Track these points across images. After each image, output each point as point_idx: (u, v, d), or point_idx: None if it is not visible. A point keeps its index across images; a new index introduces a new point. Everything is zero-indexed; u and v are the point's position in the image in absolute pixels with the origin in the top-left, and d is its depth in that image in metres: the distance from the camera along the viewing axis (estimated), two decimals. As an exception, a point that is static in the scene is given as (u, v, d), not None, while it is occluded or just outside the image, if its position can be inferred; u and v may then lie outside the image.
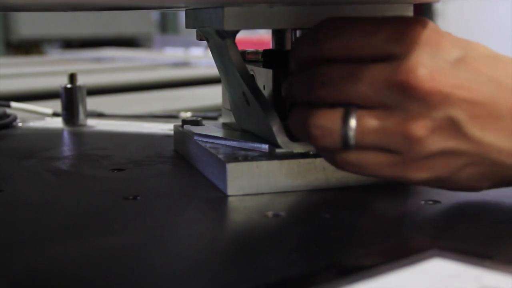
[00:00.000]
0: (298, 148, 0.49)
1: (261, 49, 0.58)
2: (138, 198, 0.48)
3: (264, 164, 0.48)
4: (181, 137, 0.61)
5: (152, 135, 0.74)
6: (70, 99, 0.79)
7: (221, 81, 0.59)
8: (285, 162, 0.48)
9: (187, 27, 0.59)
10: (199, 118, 0.62)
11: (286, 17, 0.48)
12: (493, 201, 0.45)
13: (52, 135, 0.76)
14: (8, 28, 3.56)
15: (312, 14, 0.48)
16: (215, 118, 0.86)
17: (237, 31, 0.50)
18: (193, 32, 0.59)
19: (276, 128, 0.49)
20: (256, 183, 0.48)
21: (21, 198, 0.50)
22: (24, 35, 3.58)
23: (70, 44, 3.70)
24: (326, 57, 0.43)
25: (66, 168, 0.59)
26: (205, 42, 0.57)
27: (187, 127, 0.60)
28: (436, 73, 0.40)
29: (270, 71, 0.53)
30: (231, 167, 0.47)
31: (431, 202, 0.45)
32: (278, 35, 0.56)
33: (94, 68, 1.84)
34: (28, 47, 3.60)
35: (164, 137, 0.71)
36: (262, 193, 0.48)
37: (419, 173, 0.42)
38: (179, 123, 0.62)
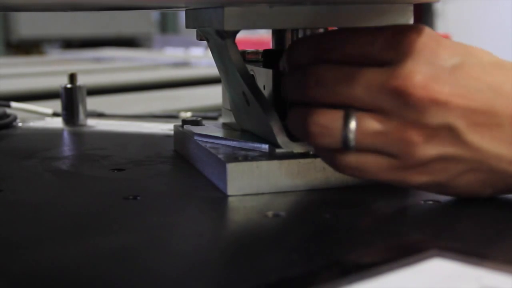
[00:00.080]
0: (298, 148, 0.49)
1: (261, 49, 0.58)
2: (138, 198, 0.48)
3: (264, 164, 0.48)
4: (181, 137, 0.61)
5: (152, 135, 0.74)
6: (70, 99, 0.79)
7: (221, 81, 0.59)
8: (285, 162, 0.48)
9: (187, 27, 0.59)
10: (199, 118, 0.62)
11: (286, 17, 0.48)
12: (493, 201, 0.45)
13: (52, 135, 0.76)
14: (8, 28, 3.56)
15: (312, 14, 0.48)
16: (215, 118, 0.86)
17: (237, 31, 0.50)
18: (193, 32, 0.59)
19: (276, 128, 0.49)
20: (256, 183, 0.48)
21: (21, 198, 0.50)
22: (24, 35, 3.58)
23: (70, 44, 3.70)
24: (325, 62, 0.43)
25: (66, 168, 0.59)
26: (205, 42, 0.57)
27: (187, 127, 0.60)
28: (431, 81, 0.40)
29: (270, 71, 0.53)
30: (231, 167, 0.47)
31: (431, 202, 0.45)
32: (278, 35, 0.56)
33: (94, 68, 1.84)
34: (28, 47, 3.61)
35: (164, 137, 0.71)
36: (262, 193, 0.48)
37: (418, 178, 0.42)
38: (179, 123, 0.62)
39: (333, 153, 0.43)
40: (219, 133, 0.56)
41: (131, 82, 1.46)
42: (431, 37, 0.42)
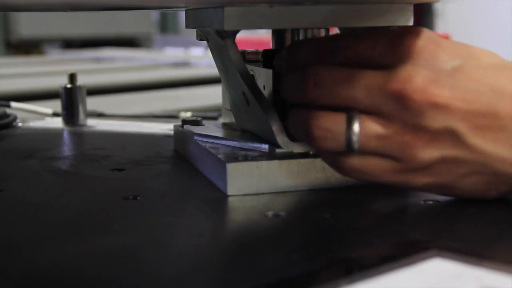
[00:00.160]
0: (298, 148, 0.49)
1: (261, 49, 0.58)
2: (138, 198, 0.48)
3: (264, 164, 0.48)
4: (181, 137, 0.61)
5: (152, 135, 0.74)
6: (70, 99, 0.79)
7: (221, 81, 0.59)
8: (285, 162, 0.48)
9: (187, 27, 0.59)
10: (199, 118, 0.62)
11: (286, 17, 0.48)
12: (493, 201, 0.45)
13: (52, 135, 0.76)
14: (8, 28, 3.56)
15: (312, 14, 0.48)
16: (215, 118, 0.86)
17: (237, 31, 0.50)
18: (193, 32, 0.59)
19: (276, 128, 0.49)
20: (256, 183, 0.48)
21: (21, 198, 0.50)
22: (24, 35, 3.58)
23: (70, 44, 3.70)
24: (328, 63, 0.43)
25: (66, 168, 0.59)
26: (205, 42, 0.57)
27: (187, 127, 0.60)
28: (431, 84, 0.40)
29: (270, 71, 0.53)
30: (231, 167, 0.47)
31: (431, 201, 0.45)
32: (278, 35, 0.56)
33: (94, 68, 1.84)
34: (28, 47, 3.60)
35: (164, 137, 0.71)
36: (262, 193, 0.48)
37: (421, 180, 0.42)
38: (179, 123, 0.62)
39: (336, 156, 0.43)
40: (219, 133, 0.56)
41: (131, 82, 1.46)
42: (431, 40, 0.41)
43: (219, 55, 0.54)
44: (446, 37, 0.45)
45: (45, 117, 0.87)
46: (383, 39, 0.42)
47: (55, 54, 2.91)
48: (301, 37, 0.54)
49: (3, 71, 1.63)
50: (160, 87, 1.42)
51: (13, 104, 0.87)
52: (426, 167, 0.41)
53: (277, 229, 0.42)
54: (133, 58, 2.16)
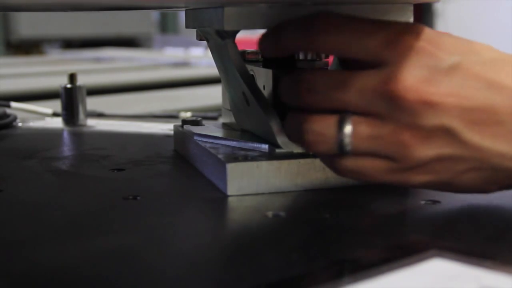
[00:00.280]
0: (298, 148, 0.49)
1: (261, 49, 0.58)
2: (138, 198, 0.48)
3: (264, 164, 0.48)
4: (181, 137, 0.61)
5: (152, 135, 0.74)
6: (70, 99, 0.79)
7: (221, 81, 0.59)
8: (285, 162, 0.48)
9: (187, 27, 0.59)
10: (199, 118, 0.62)
11: (286, 17, 0.48)
12: (493, 201, 0.45)
13: (52, 135, 0.76)
14: (8, 28, 3.56)
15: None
16: (215, 118, 0.86)
17: (237, 31, 0.50)
18: (193, 32, 0.59)
19: (276, 128, 0.49)
20: (256, 183, 0.48)
21: (21, 198, 0.50)
22: (24, 35, 3.58)
23: (70, 44, 3.70)
24: (316, 51, 0.43)
25: (66, 168, 0.59)
26: (205, 42, 0.57)
27: (187, 127, 0.60)
28: (424, 83, 0.40)
29: (270, 71, 0.53)
30: (231, 167, 0.47)
31: (431, 202, 0.45)
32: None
33: (94, 68, 1.84)
34: (28, 47, 3.61)
35: (164, 137, 0.71)
36: (262, 193, 0.48)
37: (419, 178, 0.42)
38: (179, 123, 0.62)
39: (332, 158, 0.43)
40: (219, 133, 0.56)
41: (131, 82, 1.46)
42: (429, 37, 0.41)
43: (219, 55, 0.54)
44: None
45: (45, 117, 0.87)
46: (381, 31, 0.41)
47: (55, 54, 2.91)
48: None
49: (3, 71, 1.63)
50: (160, 87, 1.42)
51: (13, 104, 0.87)
52: (423, 165, 0.41)
53: (277, 229, 0.42)
54: (133, 58, 2.16)
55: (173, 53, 2.51)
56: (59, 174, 0.56)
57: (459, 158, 0.41)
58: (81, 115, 0.80)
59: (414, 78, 0.40)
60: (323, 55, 0.53)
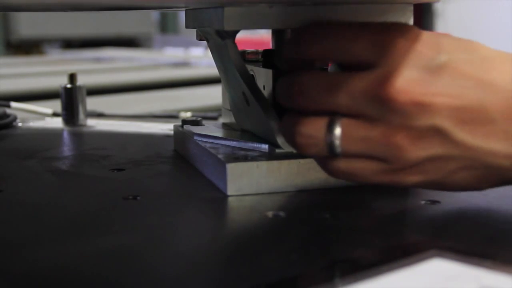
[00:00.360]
0: (298, 148, 0.49)
1: (261, 49, 0.58)
2: (138, 198, 0.48)
3: (264, 164, 0.48)
4: (181, 137, 0.61)
5: (152, 135, 0.74)
6: (70, 99, 0.79)
7: (221, 81, 0.59)
8: (285, 162, 0.48)
9: (187, 27, 0.59)
10: (199, 118, 0.62)
11: (286, 17, 0.48)
12: (493, 201, 0.45)
13: (52, 135, 0.76)
14: (8, 28, 3.57)
15: (312, 14, 0.48)
16: (215, 118, 0.86)
17: (237, 31, 0.50)
18: (193, 32, 0.59)
19: (276, 128, 0.49)
20: (256, 183, 0.48)
21: (21, 198, 0.50)
22: (24, 35, 3.58)
23: (70, 44, 3.71)
24: (305, 61, 0.43)
25: (66, 168, 0.59)
26: (205, 42, 0.57)
27: (187, 127, 0.60)
28: (413, 83, 0.40)
29: (270, 71, 0.53)
30: (231, 167, 0.47)
31: (431, 202, 0.45)
32: (278, 35, 0.56)
33: (94, 68, 1.84)
34: (28, 47, 3.61)
35: (164, 137, 0.71)
36: (262, 193, 0.48)
37: (411, 178, 0.42)
38: (179, 123, 0.62)
39: (324, 159, 0.43)
40: (219, 133, 0.56)
41: (131, 82, 1.46)
42: (416, 37, 0.41)
43: (219, 55, 0.54)
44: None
45: (45, 117, 0.87)
46: (366, 33, 0.41)
47: (55, 54, 2.91)
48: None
49: (3, 71, 1.63)
50: (160, 87, 1.42)
51: (13, 104, 0.87)
52: (415, 166, 0.41)
53: (277, 229, 0.42)
54: (133, 58, 2.16)
55: (173, 53, 2.51)
56: (59, 174, 0.56)
57: (451, 158, 0.41)
58: (81, 115, 0.80)
59: (404, 79, 0.40)
60: None
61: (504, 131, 0.40)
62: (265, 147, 0.51)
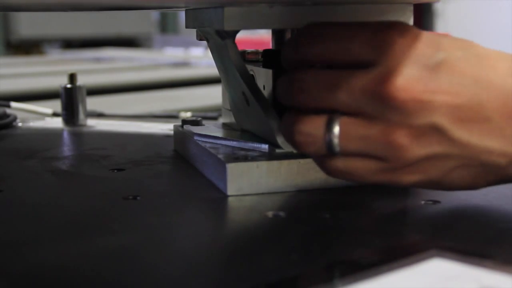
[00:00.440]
0: (298, 148, 0.49)
1: (261, 49, 0.58)
2: (138, 198, 0.48)
3: (264, 164, 0.48)
4: (181, 137, 0.61)
5: (152, 135, 0.74)
6: (70, 99, 0.79)
7: (221, 81, 0.59)
8: (285, 162, 0.48)
9: (187, 27, 0.59)
10: (199, 118, 0.62)
11: (286, 17, 0.48)
12: (493, 201, 0.45)
13: (52, 135, 0.76)
14: (8, 28, 3.57)
15: (312, 14, 0.48)
16: (215, 118, 0.86)
17: (237, 31, 0.50)
18: (193, 32, 0.59)
19: (276, 128, 0.49)
20: (256, 183, 0.48)
21: (21, 198, 0.50)
22: (24, 35, 3.58)
23: (70, 44, 3.71)
24: (305, 62, 0.43)
25: (66, 168, 0.59)
26: (205, 42, 0.57)
27: (187, 127, 0.60)
28: (413, 81, 0.40)
29: (270, 71, 0.53)
30: (231, 167, 0.47)
31: (431, 202, 0.45)
32: (278, 35, 0.56)
33: (94, 68, 1.84)
34: (28, 47, 3.61)
35: (164, 137, 0.71)
36: (262, 193, 0.48)
37: (409, 177, 0.42)
38: (179, 123, 0.62)
39: (322, 158, 0.43)
40: (219, 133, 0.56)
41: (131, 82, 1.46)
42: (413, 35, 0.41)
43: (219, 55, 0.54)
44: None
45: (45, 117, 0.87)
46: (363, 33, 0.41)
47: (55, 54, 2.91)
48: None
49: (3, 71, 1.63)
50: (160, 87, 1.42)
51: (13, 104, 0.87)
52: (413, 164, 0.41)
53: (277, 229, 0.42)
54: (133, 58, 2.16)
55: (173, 53, 2.51)
56: (59, 174, 0.56)
57: (449, 156, 0.41)
58: (81, 115, 0.80)
59: (403, 77, 0.40)
60: None
61: (500, 129, 0.40)
62: (265, 147, 0.51)
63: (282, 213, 0.44)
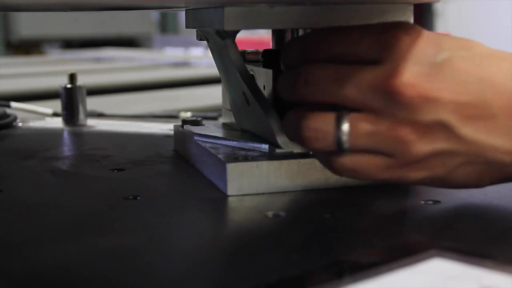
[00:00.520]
0: (298, 148, 0.49)
1: (261, 49, 0.58)
2: (138, 198, 0.48)
3: (264, 164, 0.48)
4: (181, 137, 0.61)
5: (152, 135, 0.74)
6: (70, 99, 0.79)
7: (221, 81, 0.59)
8: (285, 162, 0.48)
9: (187, 27, 0.59)
10: (199, 118, 0.62)
11: (286, 17, 0.48)
12: (493, 201, 0.45)
13: (52, 135, 0.76)
14: (8, 28, 3.56)
15: (312, 14, 0.48)
16: (215, 118, 0.86)
17: (237, 31, 0.50)
18: (193, 32, 0.59)
19: (276, 128, 0.49)
20: (256, 183, 0.48)
21: (21, 198, 0.50)
22: (24, 35, 3.58)
23: (70, 44, 3.70)
24: (311, 61, 0.43)
25: (66, 168, 0.59)
26: (205, 42, 0.57)
27: (187, 127, 0.60)
28: (420, 78, 0.40)
29: (270, 71, 0.53)
30: (231, 167, 0.47)
31: (431, 202, 0.45)
32: (278, 35, 0.56)
33: (94, 68, 1.84)
34: (28, 47, 3.61)
35: (164, 137, 0.71)
36: (262, 193, 0.48)
37: (415, 174, 0.42)
38: (179, 123, 0.62)
39: (328, 155, 0.43)
40: (219, 133, 0.56)
41: (131, 82, 1.46)
42: (419, 34, 0.41)
43: (219, 55, 0.54)
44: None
45: (45, 117, 0.87)
46: (369, 34, 0.42)
47: (55, 54, 2.91)
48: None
49: (3, 71, 1.63)
50: (160, 87, 1.42)
51: (13, 104, 0.87)
52: (420, 161, 0.41)
53: (277, 229, 0.42)
54: (133, 58, 2.16)
55: (173, 53, 2.51)
56: (59, 174, 0.56)
57: (454, 153, 0.41)
58: (81, 115, 0.80)
59: (411, 73, 0.40)
60: None
61: (506, 127, 0.40)
62: (265, 147, 0.51)
63: (282, 213, 0.44)
